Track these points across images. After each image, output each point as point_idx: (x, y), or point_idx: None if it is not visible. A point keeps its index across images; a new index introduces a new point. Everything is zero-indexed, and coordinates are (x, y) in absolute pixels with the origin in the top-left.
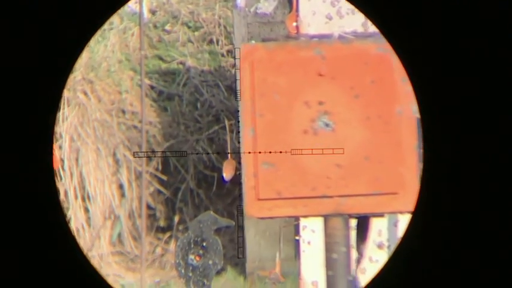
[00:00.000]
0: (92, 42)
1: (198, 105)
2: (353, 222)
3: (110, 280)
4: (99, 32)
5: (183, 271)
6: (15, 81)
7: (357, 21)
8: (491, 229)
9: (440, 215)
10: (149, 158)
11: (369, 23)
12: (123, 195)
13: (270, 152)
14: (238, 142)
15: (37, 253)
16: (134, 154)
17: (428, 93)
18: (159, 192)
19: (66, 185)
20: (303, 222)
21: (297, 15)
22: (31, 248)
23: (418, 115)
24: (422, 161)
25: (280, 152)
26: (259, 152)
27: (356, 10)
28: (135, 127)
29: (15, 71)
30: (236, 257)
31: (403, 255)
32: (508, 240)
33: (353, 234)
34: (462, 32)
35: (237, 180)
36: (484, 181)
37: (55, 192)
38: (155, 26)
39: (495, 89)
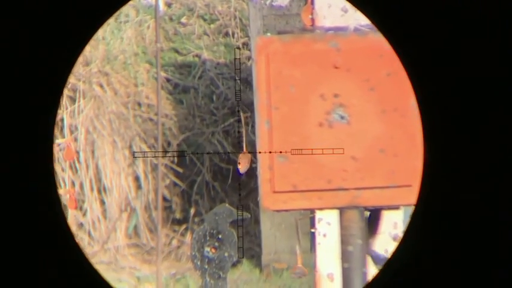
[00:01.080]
0: (108, 34)
1: (214, 97)
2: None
3: (125, 272)
4: (100, 31)
5: (198, 263)
6: (15, 77)
7: None
8: (495, 224)
9: (442, 209)
10: (165, 150)
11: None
12: (139, 187)
13: (270, 152)
14: (240, 141)
15: (37, 253)
16: (134, 154)
17: (429, 89)
18: (175, 184)
19: (81, 177)
20: (318, 214)
21: (313, 8)
22: (30, 248)
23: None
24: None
25: (280, 152)
26: (259, 152)
27: (356, 9)
28: (151, 120)
29: (15, 67)
30: (252, 249)
31: (409, 247)
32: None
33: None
34: (462, 30)
35: (252, 173)
36: (484, 176)
37: (55, 190)
38: (171, 19)
39: (495, 86)
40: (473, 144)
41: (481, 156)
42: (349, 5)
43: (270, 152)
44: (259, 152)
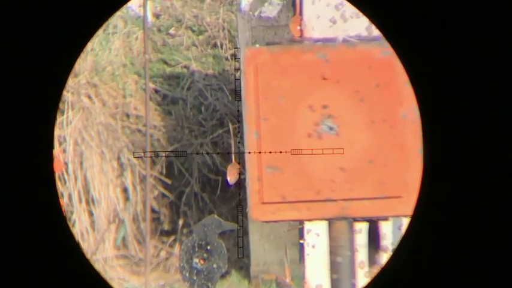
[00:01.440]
0: (96, 45)
1: (202, 109)
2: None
3: (114, 284)
4: (94, 38)
5: (187, 274)
6: (13, 84)
7: (361, 25)
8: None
9: (439, 218)
10: (153, 162)
11: (373, 26)
12: (127, 198)
13: (270, 152)
14: (238, 146)
15: (39, 259)
16: (134, 154)
17: (430, 96)
18: (164, 195)
19: (70, 189)
20: (307, 225)
21: (301, 19)
22: (32, 253)
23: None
24: (423, 164)
25: (280, 152)
26: (259, 152)
27: (360, 14)
28: (139, 131)
29: (14, 73)
30: (240, 261)
31: (403, 258)
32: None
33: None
34: (463, 35)
35: (241, 183)
36: (483, 182)
37: (56, 196)
38: (159, 30)
39: (496, 92)
40: (473, 151)
41: (482, 164)
42: (355, 10)
43: (270, 152)
44: (259, 152)
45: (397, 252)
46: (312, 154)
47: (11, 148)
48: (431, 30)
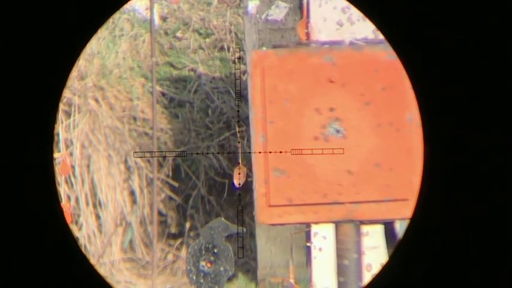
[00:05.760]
0: (103, 48)
1: (209, 111)
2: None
3: (121, 287)
4: (95, 45)
5: (194, 278)
6: (14, 84)
7: (368, 28)
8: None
9: (438, 222)
10: (160, 165)
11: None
12: (134, 201)
13: (270, 152)
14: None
15: (41, 262)
16: (134, 154)
17: (431, 100)
18: (170, 198)
19: (77, 192)
20: (314, 228)
21: (308, 22)
22: (34, 257)
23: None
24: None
25: (280, 152)
26: (259, 152)
27: (366, 18)
28: (146, 134)
29: (12, 75)
30: (247, 264)
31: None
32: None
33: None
34: (464, 39)
35: (248, 186)
36: (483, 187)
37: (57, 199)
38: (166, 33)
39: (497, 97)
40: (473, 152)
41: (482, 164)
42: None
43: (271, 152)
44: (259, 152)
45: (396, 254)
46: (312, 154)
47: (10, 149)
48: (433, 33)
